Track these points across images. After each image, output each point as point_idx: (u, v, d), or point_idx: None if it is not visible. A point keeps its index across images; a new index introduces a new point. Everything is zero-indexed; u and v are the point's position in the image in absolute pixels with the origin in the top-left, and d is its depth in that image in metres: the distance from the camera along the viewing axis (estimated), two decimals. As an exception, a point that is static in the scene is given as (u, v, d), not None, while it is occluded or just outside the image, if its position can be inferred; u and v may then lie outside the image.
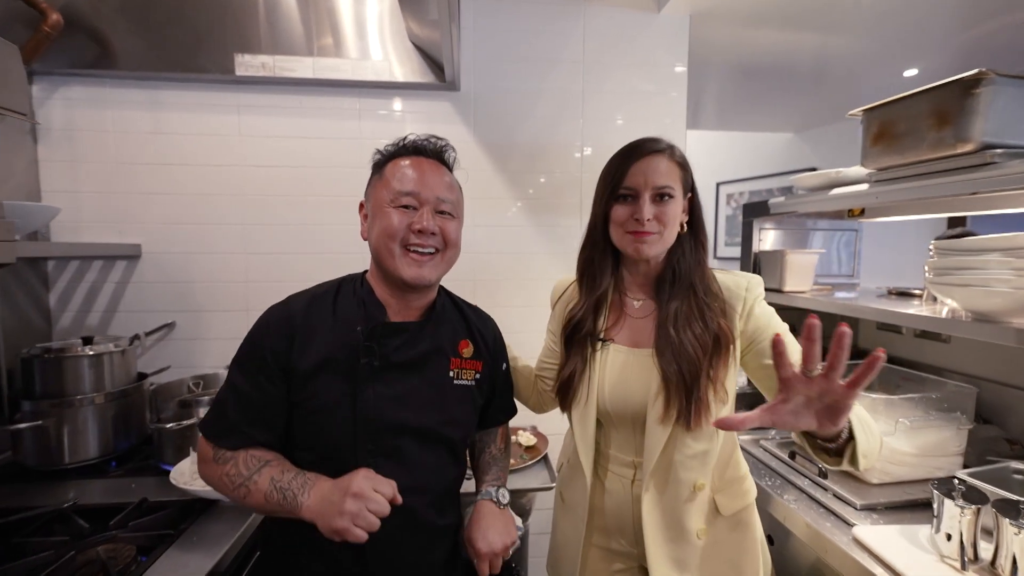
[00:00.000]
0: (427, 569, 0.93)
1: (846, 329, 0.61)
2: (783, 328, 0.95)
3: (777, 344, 0.66)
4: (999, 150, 1.01)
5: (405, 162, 0.92)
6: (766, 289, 1.02)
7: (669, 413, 0.90)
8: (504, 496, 1.00)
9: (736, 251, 2.03)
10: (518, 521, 1.00)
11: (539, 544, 1.84)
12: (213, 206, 1.70)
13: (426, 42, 1.61)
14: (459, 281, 1.34)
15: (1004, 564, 0.89)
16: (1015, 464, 1.11)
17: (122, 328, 1.67)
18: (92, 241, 1.65)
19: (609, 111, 1.84)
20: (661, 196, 0.92)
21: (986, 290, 1.02)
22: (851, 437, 0.77)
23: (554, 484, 1.39)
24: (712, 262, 1.08)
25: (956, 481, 1.00)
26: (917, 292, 1.56)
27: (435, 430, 0.92)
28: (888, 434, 1.20)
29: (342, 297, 0.94)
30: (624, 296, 1.03)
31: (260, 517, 1.08)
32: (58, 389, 1.34)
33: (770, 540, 1.07)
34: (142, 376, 1.55)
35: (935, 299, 1.43)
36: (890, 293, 1.64)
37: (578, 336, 1.01)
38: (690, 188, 0.98)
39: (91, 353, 1.38)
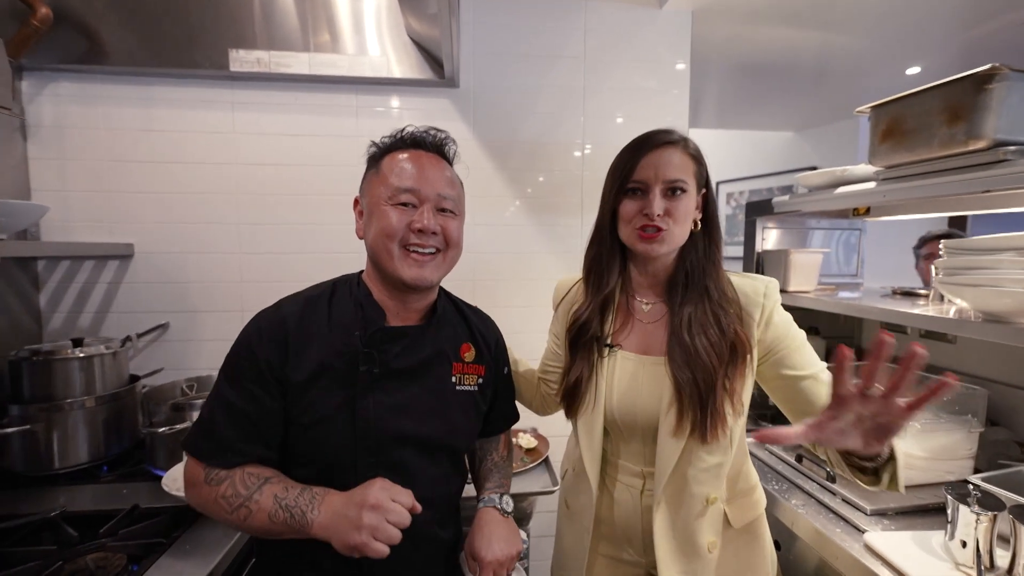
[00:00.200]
0: None
1: (919, 349, 0.57)
2: (801, 336, 0.92)
3: (842, 358, 0.62)
4: (1012, 147, 0.98)
5: (403, 156, 0.86)
6: (770, 289, 1.00)
7: (683, 425, 0.86)
8: (508, 504, 0.96)
9: (736, 250, 2.02)
10: (522, 533, 0.96)
11: (540, 548, 1.82)
12: (207, 204, 1.67)
13: (425, 38, 1.58)
14: (458, 281, 1.31)
15: (1021, 572, 0.87)
16: (1029, 468, 1.09)
17: (114, 329, 1.64)
18: (83, 240, 1.61)
19: (610, 108, 1.81)
20: (672, 190, 0.87)
21: (997, 290, 0.99)
22: (891, 456, 0.73)
23: (556, 488, 1.36)
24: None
25: (970, 486, 0.98)
26: (922, 292, 1.55)
27: (438, 439, 0.87)
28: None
29: (338, 300, 0.88)
30: (632, 298, 0.98)
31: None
32: (47, 392, 1.31)
33: (777, 546, 1.05)
34: (134, 378, 1.52)
35: (942, 299, 1.41)
36: (895, 293, 1.63)
37: (584, 339, 0.96)
38: (704, 183, 0.93)
39: (81, 355, 1.35)
